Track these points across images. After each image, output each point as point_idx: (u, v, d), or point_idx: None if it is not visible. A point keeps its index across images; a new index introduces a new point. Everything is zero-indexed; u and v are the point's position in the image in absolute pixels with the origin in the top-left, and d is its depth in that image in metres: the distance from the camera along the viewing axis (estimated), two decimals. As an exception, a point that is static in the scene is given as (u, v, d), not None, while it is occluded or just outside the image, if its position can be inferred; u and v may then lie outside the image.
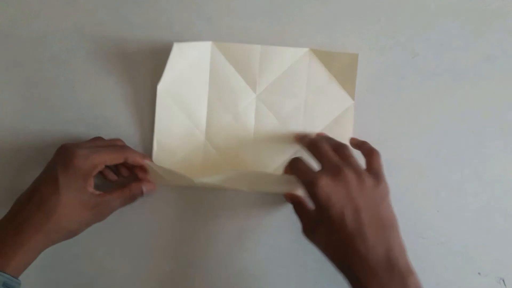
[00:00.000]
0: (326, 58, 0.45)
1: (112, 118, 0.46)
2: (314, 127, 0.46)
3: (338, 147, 0.40)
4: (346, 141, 0.45)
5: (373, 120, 0.46)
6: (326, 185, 0.36)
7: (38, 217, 0.38)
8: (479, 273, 0.46)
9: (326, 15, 0.45)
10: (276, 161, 0.46)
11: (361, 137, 0.46)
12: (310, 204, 0.41)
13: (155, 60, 0.46)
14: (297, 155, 0.45)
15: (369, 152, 0.40)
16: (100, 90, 0.46)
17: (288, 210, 0.45)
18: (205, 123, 0.46)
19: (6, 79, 0.46)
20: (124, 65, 0.46)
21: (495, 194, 0.46)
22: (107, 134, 0.46)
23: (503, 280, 0.46)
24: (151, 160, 0.44)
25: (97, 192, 0.41)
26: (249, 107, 0.46)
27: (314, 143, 0.40)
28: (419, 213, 0.46)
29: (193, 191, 0.46)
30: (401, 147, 0.46)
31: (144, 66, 0.46)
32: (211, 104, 0.45)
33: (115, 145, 0.43)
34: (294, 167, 0.39)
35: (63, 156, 0.39)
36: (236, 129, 0.46)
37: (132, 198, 0.43)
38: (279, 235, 0.46)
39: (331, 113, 0.46)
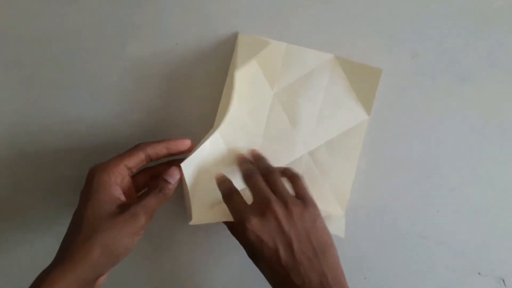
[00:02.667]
0: (350, 68, 0.44)
1: (112, 119, 0.46)
2: (324, 135, 0.45)
3: (267, 173, 0.41)
4: (355, 155, 0.45)
5: (373, 120, 0.46)
6: (255, 225, 0.37)
7: (65, 242, 0.35)
8: (479, 273, 0.46)
9: (326, 15, 0.45)
10: (281, 162, 0.46)
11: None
12: None
13: (155, 60, 0.46)
14: (302, 160, 0.46)
15: (292, 177, 0.42)
16: (100, 90, 0.46)
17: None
18: (217, 113, 0.45)
19: (6, 79, 0.46)
20: (124, 65, 0.46)
21: (495, 194, 0.46)
22: (106, 135, 0.46)
23: (503, 280, 0.46)
24: (172, 140, 0.40)
25: (124, 199, 0.37)
26: (265, 104, 0.45)
27: (248, 174, 0.41)
28: (419, 213, 0.46)
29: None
30: (401, 147, 0.46)
31: (144, 66, 0.46)
32: (226, 93, 0.44)
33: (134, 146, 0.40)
34: (227, 201, 0.40)
35: (85, 181, 0.37)
36: (248, 124, 0.45)
37: (164, 193, 0.38)
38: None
39: (344, 124, 0.45)
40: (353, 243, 0.46)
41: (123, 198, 0.37)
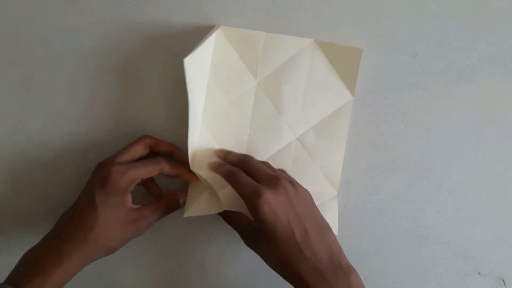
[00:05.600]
0: (330, 50, 0.45)
1: (112, 118, 0.46)
2: (311, 119, 0.46)
3: (262, 163, 0.42)
4: (342, 136, 0.45)
5: (373, 120, 0.46)
6: (270, 198, 0.37)
7: (77, 236, 0.38)
8: (479, 273, 0.46)
9: (326, 15, 0.45)
10: (270, 150, 0.46)
11: (361, 137, 0.46)
12: (245, 216, 0.42)
13: (155, 59, 0.46)
14: (291, 146, 0.46)
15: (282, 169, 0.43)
16: (100, 90, 0.46)
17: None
18: (203, 106, 0.45)
19: (6, 79, 0.46)
20: (124, 65, 0.46)
21: (495, 194, 0.46)
22: (107, 134, 0.46)
23: (503, 280, 0.46)
24: (187, 171, 0.43)
25: (135, 207, 0.41)
26: (249, 94, 0.45)
27: (243, 160, 0.42)
28: (419, 213, 0.46)
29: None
30: (401, 147, 0.46)
31: (144, 65, 0.46)
32: (210, 86, 0.45)
33: (150, 158, 0.42)
34: (233, 179, 0.40)
35: (99, 174, 0.40)
36: (233, 115, 0.45)
37: (169, 210, 0.43)
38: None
39: (329, 106, 0.45)
40: (353, 243, 0.46)
41: (132, 204, 0.41)
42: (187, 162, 0.42)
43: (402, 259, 0.47)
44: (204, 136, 0.45)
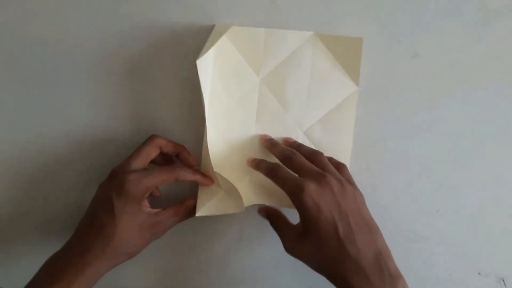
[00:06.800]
0: (331, 42, 0.45)
1: (112, 118, 0.46)
2: (317, 113, 0.46)
3: (312, 155, 0.41)
4: (349, 127, 0.45)
5: (373, 120, 0.46)
6: (313, 191, 0.36)
7: (98, 244, 0.38)
8: (479, 273, 0.46)
9: (326, 15, 0.45)
10: None
11: (361, 137, 0.46)
12: (289, 219, 0.42)
13: (155, 59, 0.46)
14: (298, 140, 0.45)
15: (338, 165, 0.42)
16: (100, 90, 0.46)
17: (286, 211, 0.45)
18: (207, 106, 0.44)
19: (6, 79, 0.46)
20: (124, 65, 0.46)
21: (495, 194, 0.46)
22: (107, 134, 0.46)
23: (503, 280, 0.46)
24: (203, 176, 0.43)
25: (154, 211, 0.41)
26: (252, 91, 0.45)
27: (288, 157, 0.41)
28: (419, 213, 0.46)
29: (194, 192, 0.46)
30: (401, 147, 0.46)
31: (144, 65, 0.46)
32: (214, 86, 0.45)
33: (166, 166, 0.43)
34: (275, 174, 0.40)
35: (115, 182, 0.40)
36: (239, 114, 0.45)
37: (187, 215, 0.43)
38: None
39: (335, 99, 0.45)
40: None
41: (150, 208, 0.41)
42: (193, 165, 0.43)
43: (402, 259, 0.46)
44: (212, 137, 0.45)
